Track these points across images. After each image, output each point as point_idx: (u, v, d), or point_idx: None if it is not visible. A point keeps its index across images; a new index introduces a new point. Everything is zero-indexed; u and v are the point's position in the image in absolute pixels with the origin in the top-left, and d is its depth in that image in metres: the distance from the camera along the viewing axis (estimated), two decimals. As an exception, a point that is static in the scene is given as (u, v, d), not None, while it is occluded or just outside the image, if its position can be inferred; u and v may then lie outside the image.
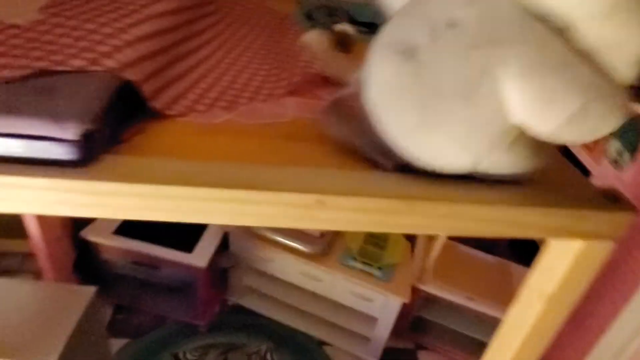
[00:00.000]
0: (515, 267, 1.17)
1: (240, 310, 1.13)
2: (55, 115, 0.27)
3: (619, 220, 0.37)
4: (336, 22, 0.59)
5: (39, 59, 0.31)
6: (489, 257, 1.19)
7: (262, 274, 1.06)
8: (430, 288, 1.01)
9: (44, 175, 0.29)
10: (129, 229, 0.99)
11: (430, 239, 1.06)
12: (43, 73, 0.30)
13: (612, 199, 0.38)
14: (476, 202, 0.34)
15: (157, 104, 0.36)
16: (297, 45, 0.54)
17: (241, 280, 1.09)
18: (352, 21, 0.65)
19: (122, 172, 0.30)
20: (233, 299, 1.13)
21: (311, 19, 0.65)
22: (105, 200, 0.30)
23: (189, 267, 0.96)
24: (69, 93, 0.29)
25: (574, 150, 1.04)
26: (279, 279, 1.03)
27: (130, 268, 1.01)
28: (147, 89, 0.35)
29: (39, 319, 0.60)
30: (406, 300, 0.93)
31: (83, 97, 0.29)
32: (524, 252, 1.27)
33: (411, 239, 1.07)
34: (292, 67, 0.50)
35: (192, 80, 0.43)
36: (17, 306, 0.61)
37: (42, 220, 0.86)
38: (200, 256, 0.95)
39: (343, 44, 0.57)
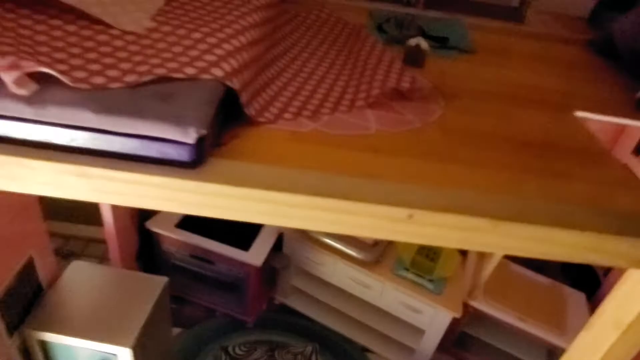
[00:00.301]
0: (568, 290, 1.14)
1: (286, 309, 1.15)
2: (177, 120, 0.30)
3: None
4: (408, 36, 0.59)
5: (158, 66, 0.34)
6: (542, 278, 1.15)
7: (312, 277, 1.08)
8: (481, 305, 1.00)
9: (161, 174, 0.31)
10: (190, 223, 1.04)
11: (483, 255, 1.04)
12: (161, 79, 0.33)
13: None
14: (563, 227, 0.34)
15: (252, 110, 0.38)
16: (374, 57, 0.56)
17: (290, 281, 1.11)
18: (424, 35, 0.65)
19: (226, 175, 0.32)
20: (280, 298, 1.15)
21: (382, 31, 0.66)
22: (211, 200, 0.32)
23: (243, 265, 0.99)
24: (186, 99, 0.32)
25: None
26: (328, 283, 1.05)
27: (187, 260, 1.05)
28: (244, 96, 0.37)
29: (116, 303, 0.64)
30: (457, 315, 0.92)
31: (198, 103, 0.32)
32: (577, 274, 1.23)
33: (464, 253, 1.06)
34: (371, 79, 0.51)
35: (278, 89, 0.45)
36: (96, 289, 0.66)
37: (115, 209, 0.91)
38: (255, 255, 0.98)
39: (414, 59, 0.57)
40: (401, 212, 0.32)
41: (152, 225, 1.01)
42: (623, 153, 1.11)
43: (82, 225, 1.33)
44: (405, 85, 0.47)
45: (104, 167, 0.31)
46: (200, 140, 0.31)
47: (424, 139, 0.42)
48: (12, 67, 0.30)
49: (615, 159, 0.44)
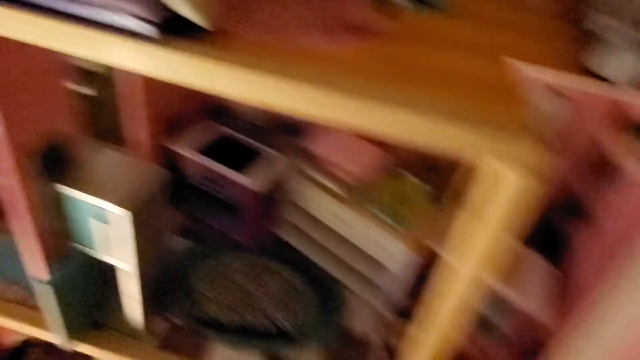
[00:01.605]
0: (529, 253, 1.20)
1: (284, 243, 1.30)
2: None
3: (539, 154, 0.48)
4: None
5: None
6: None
7: (305, 213, 1.22)
8: (444, 253, 1.09)
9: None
10: (210, 148, 1.22)
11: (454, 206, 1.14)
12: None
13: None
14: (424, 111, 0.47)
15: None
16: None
17: (288, 216, 1.26)
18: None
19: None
20: (280, 233, 1.31)
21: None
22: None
23: (246, 190, 1.15)
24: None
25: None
26: (316, 219, 1.19)
27: (200, 182, 1.23)
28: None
29: (124, 177, 0.83)
30: (418, 255, 1.04)
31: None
32: (543, 242, 1.30)
33: (436, 202, 1.16)
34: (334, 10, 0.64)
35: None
36: (112, 166, 0.86)
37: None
38: (256, 181, 1.14)
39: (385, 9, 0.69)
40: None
41: (174, 145, 1.20)
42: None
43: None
44: (362, 17, 0.60)
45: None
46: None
47: (359, 55, 0.56)
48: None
49: (520, 101, 0.56)
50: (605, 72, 0.68)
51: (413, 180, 1.17)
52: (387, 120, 0.49)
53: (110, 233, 0.84)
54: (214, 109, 1.39)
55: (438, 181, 1.22)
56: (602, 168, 1.19)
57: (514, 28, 0.77)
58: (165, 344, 1.04)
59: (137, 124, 1.16)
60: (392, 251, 1.07)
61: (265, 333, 1.09)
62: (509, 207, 0.55)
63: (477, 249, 0.60)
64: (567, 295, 1.12)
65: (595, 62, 0.69)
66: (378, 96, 0.49)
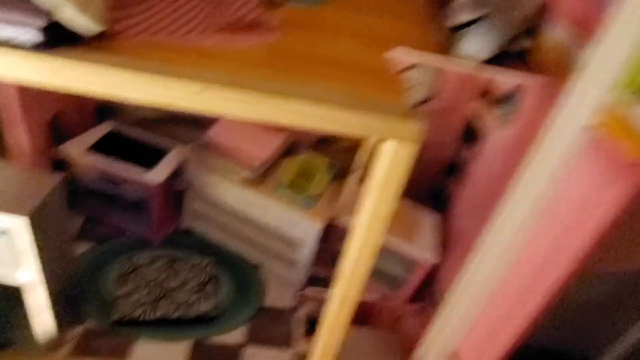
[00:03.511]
0: (424, 211, 1.36)
1: (191, 232, 1.31)
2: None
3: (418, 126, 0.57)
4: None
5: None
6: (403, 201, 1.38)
7: (210, 200, 1.24)
8: (344, 222, 1.20)
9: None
10: (100, 147, 1.17)
11: (346, 177, 1.24)
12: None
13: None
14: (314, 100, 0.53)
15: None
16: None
17: (193, 205, 1.27)
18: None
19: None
20: (186, 223, 1.32)
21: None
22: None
23: (146, 185, 1.14)
24: None
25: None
26: (224, 204, 1.22)
27: (97, 182, 1.19)
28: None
29: (13, 187, 0.79)
30: (321, 226, 1.13)
31: None
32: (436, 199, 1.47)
33: (339, 176, 1.26)
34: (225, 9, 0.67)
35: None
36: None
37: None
38: (156, 175, 1.13)
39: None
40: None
41: (63, 152, 1.14)
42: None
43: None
44: (251, 15, 0.64)
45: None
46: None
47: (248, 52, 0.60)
48: None
49: (398, 82, 0.64)
50: (467, 50, 0.81)
51: (315, 157, 1.25)
52: (284, 112, 0.55)
53: (10, 246, 0.80)
54: (104, 107, 1.34)
55: (339, 156, 1.31)
56: (472, 133, 1.37)
57: (389, 13, 0.86)
58: (80, 350, 1.02)
59: (19, 131, 1.09)
60: (301, 226, 1.15)
61: (187, 321, 1.11)
62: (396, 173, 0.65)
63: (371, 210, 0.69)
64: (451, 241, 1.29)
65: (459, 42, 0.81)
66: (270, 89, 0.54)
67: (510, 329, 0.93)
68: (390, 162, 0.64)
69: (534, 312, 0.88)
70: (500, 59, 0.84)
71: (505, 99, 1.11)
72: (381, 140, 0.62)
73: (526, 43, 0.88)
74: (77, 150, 1.16)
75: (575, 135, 0.77)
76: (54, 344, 1.01)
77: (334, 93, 0.57)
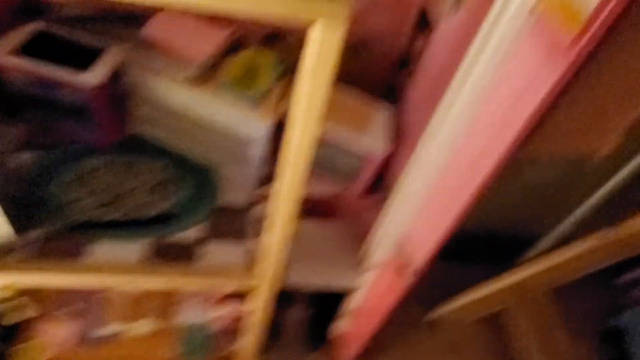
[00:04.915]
0: (379, 103, 1.36)
1: (140, 137, 1.29)
2: None
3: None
4: None
5: None
6: (356, 93, 1.37)
7: (155, 102, 1.20)
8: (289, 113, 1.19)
9: None
10: (31, 48, 1.09)
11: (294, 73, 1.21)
12: None
13: None
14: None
15: None
16: None
17: (139, 109, 1.23)
18: None
19: None
20: (134, 128, 1.28)
21: None
22: None
23: (82, 87, 1.08)
24: None
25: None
26: (169, 107, 1.18)
27: (31, 88, 1.12)
28: None
29: None
30: (272, 122, 1.11)
31: None
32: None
33: (284, 70, 1.22)
34: None
35: None
36: None
37: None
38: (92, 76, 1.07)
39: None
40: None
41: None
42: None
43: None
44: None
45: None
46: None
47: None
48: None
49: None
50: None
51: (262, 53, 1.20)
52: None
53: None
54: (27, 5, 1.22)
55: (289, 52, 1.26)
56: (423, 26, 1.32)
57: None
58: (36, 253, 1.03)
59: None
60: (250, 124, 1.13)
61: (144, 221, 1.13)
62: (326, 57, 0.63)
63: (305, 99, 0.68)
64: (403, 134, 1.30)
65: None
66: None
67: (453, 212, 0.98)
68: (319, 46, 0.61)
69: (475, 193, 0.92)
70: None
71: (454, -20, 1.06)
72: (310, 23, 0.59)
73: None
74: (5, 53, 1.08)
75: (519, 18, 0.75)
76: (7, 249, 1.02)
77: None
